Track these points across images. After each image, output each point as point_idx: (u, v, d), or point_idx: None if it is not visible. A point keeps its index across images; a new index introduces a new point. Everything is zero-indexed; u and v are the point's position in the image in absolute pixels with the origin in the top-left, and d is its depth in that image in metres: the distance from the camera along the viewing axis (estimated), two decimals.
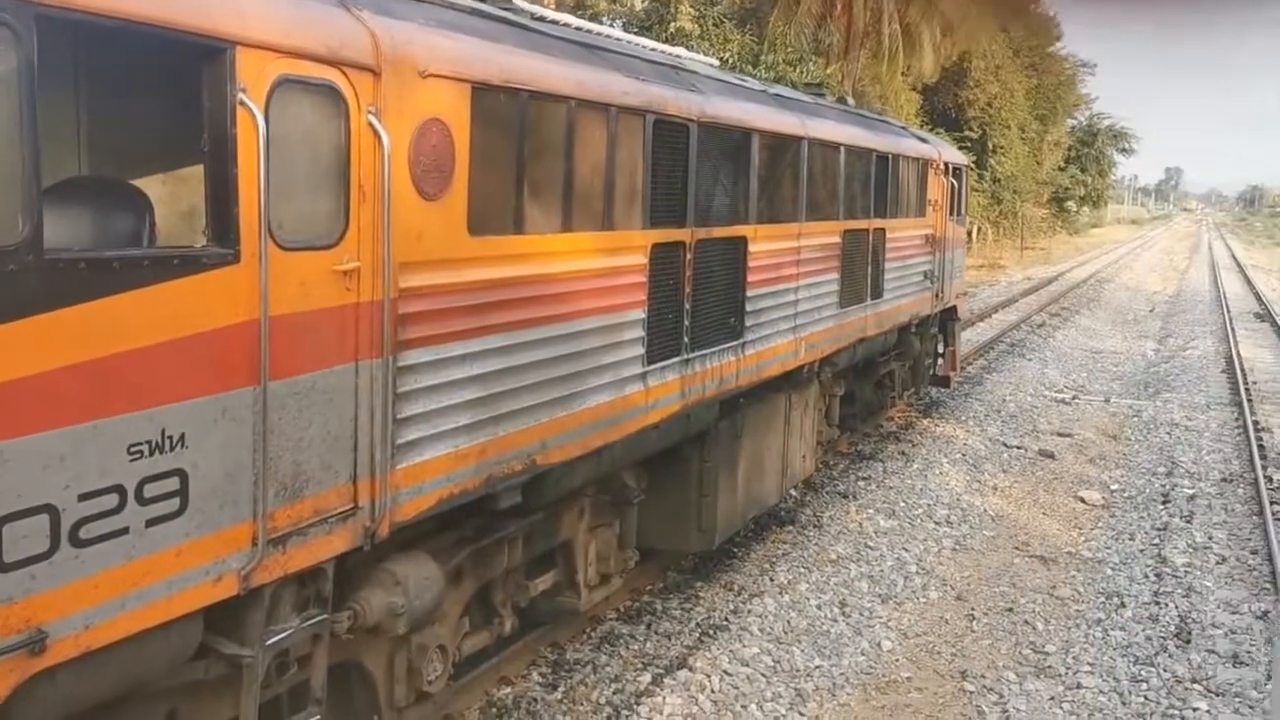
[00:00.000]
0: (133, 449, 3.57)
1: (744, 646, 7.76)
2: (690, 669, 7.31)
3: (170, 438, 3.68)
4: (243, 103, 3.87)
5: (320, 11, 4.33)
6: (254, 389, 3.98)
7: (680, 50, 10.26)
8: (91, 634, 3.50)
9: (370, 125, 4.46)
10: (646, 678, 7.23)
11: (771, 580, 9.06)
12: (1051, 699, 7.56)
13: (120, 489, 3.54)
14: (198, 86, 3.84)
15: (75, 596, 3.44)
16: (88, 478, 3.44)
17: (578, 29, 7.49)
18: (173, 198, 4.36)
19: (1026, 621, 8.90)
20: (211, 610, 4.02)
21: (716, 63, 10.71)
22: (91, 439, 3.44)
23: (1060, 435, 15.54)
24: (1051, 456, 14.30)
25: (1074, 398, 18.51)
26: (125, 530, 3.57)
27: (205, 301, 3.79)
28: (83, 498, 3.43)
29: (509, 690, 6.96)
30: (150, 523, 3.65)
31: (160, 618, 3.74)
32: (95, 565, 3.49)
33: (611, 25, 25.33)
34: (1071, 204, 72.62)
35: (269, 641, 4.33)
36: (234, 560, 3.99)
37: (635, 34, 19.29)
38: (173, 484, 3.71)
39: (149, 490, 3.63)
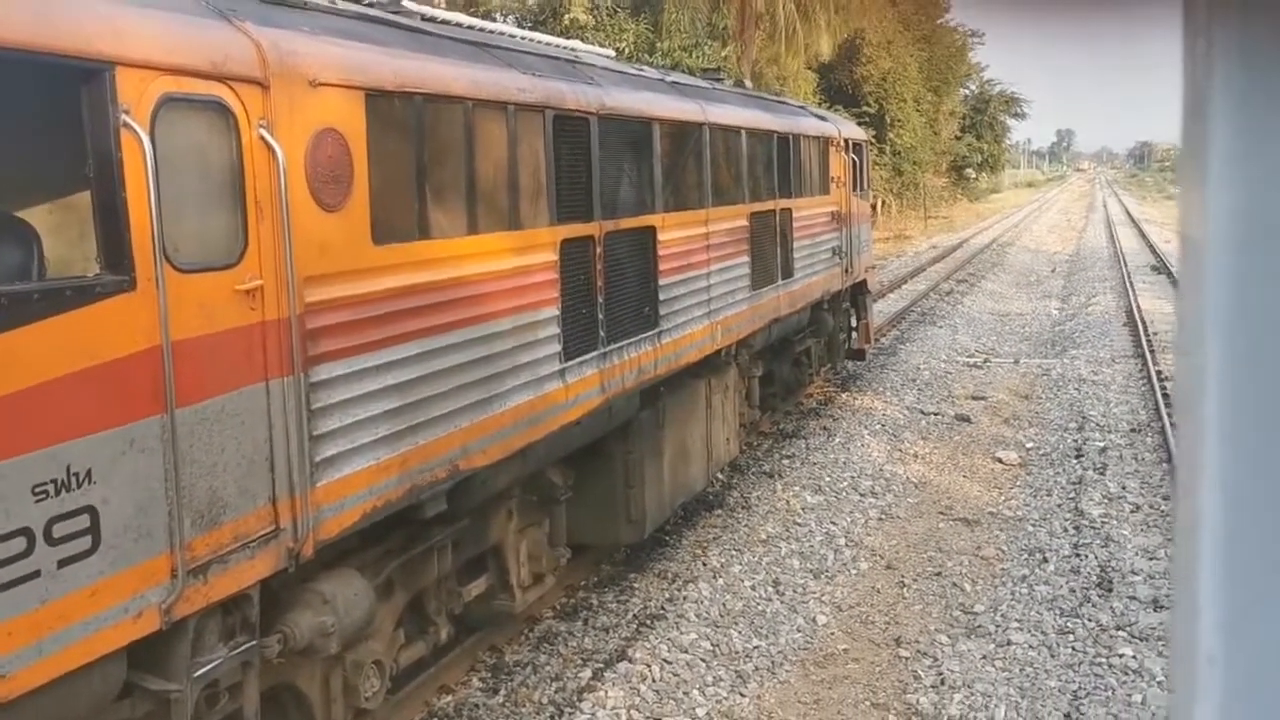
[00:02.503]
0: (38, 489, 3.45)
1: (682, 633, 7.80)
2: (630, 660, 7.33)
3: (76, 474, 3.57)
4: (126, 124, 3.76)
5: (202, 26, 4.22)
6: (161, 417, 3.88)
7: (576, 43, 10.24)
8: (8, 683, 3.39)
9: (262, 139, 4.37)
10: (587, 673, 7.22)
11: (704, 565, 9.12)
12: (984, 658, 7.74)
13: (28, 531, 3.43)
14: (78, 110, 3.72)
15: None
16: None
17: (470, 28, 7.43)
18: (61, 226, 4.22)
19: (955, 584, 9.09)
20: (134, 646, 3.92)
21: (613, 53, 10.69)
22: None
23: (974, 399, 15.88)
24: (968, 420, 14.60)
25: (985, 361, 18.92)
26: (36, 573, 3.46)
27: (103, 331, 3.68)
28: None
29: (450, 699, 6.90)
30: (62, 563, 3.54)
31: (80, 660, 3.63)
32: (7, 611, 3.37)
33: (504, 21, 25.16)
34: (970, 171, 74.12)
35: (196, 674, 4.23)
36: (153, 594, 3.89)
37: (529, 29, 19.21)
38: (83, 522, 3.60)
39: (58, 530, 3.52)
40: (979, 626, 8.26)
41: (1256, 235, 0.57)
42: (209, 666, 4.30)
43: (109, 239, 3.77)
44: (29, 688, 3.46)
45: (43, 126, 4.04)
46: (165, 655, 4.14)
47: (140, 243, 3.81)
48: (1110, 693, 7.20)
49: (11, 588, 3.39)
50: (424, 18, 6.82)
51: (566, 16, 25.50)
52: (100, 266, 3.78)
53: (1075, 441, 13.38)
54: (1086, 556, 9.47)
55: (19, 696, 3.44)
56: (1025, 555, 9.70)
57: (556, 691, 7.02)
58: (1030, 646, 7.85)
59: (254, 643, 4.57)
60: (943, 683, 7.39)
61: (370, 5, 6.37)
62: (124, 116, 3.75)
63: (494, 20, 22.48)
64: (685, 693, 7.06)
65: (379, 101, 5.11)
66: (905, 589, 9.00)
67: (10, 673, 3.39)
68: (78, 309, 3.61)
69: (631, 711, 6.75)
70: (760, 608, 8.41)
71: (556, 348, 6.76)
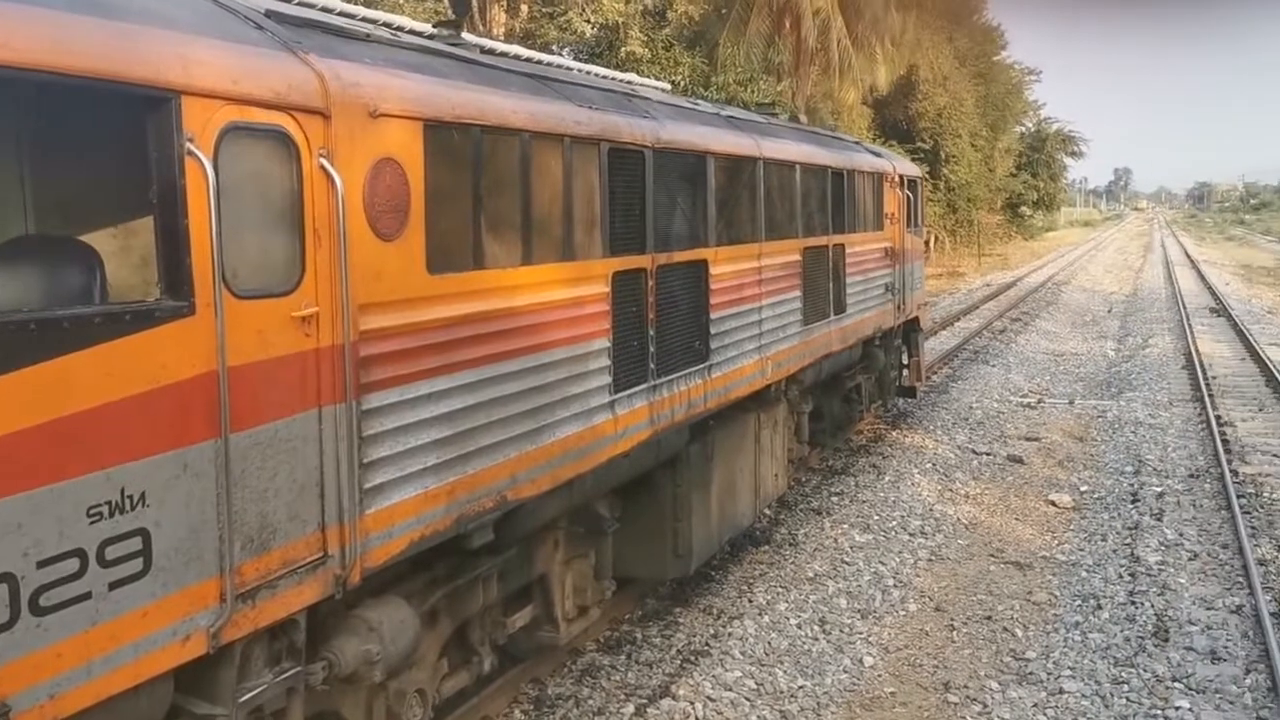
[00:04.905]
0: (92, 511, 3.49)
1: (726, 671, 7.71)
2: (673, 697, 7.25)
3: (130, 497, 3.60)
4: (190, 152, 3.81)
5: (266, 56, 4.28)
6: (215, 442, 3.91)
7: (632, 76, 10.30)
8: (57, 704, 3.40)
9: (322, 168, 4.42)
10: (630, 709, 7.15)
11: (750, 602, 9.02)
12: (1035, 706, 7.56)
13: (81, 553, 3.46)
14: (144, 137, 3.78)
15: (39, 666, 3.35)
16: (47, 543, 3.35)
17: (528, 60, 7.49)
18: (124, 251, 4.29)
19: (1006, 629, 8.91)
20: (181, 670, 3.93)
21: (669, 87, 10.74)
22: (49, 503, 3.36)
23: (1028, 439, 15.64)
24: (1020, 461, 14.38)
25: (1039, 401, 18.65)
26: (88, 595, 3.48)
27: (161, 356, 3.72)
28: (42, 564, 3.34)
29: None
30: (113, 585, 3.56)
31: (128, 682, 3.65)
32: (58, 633, 3.40)
33: (562, 53, 25.42)
34: (1025, 209, 73.48)
35: (242, 699, 4.24)
36: (202, 618, 3.90)
37: (586, 61, 19.39)
38: (135, 544, 3.63)
39: (110, 552, 3.55)
40: (1030, 673, 8.08)
41: None
42: (254, 692, 4.31)
43: (170, 264, 3.81)
44: (77, 709, 3.48)
45: (108, 152, 4.12)
46: (212, 680, 4.15)
47: (200, 269, 3.85)
48: None
49: (63, 609, 3.41)
50: (483, 49, 6.89)
51: (623, 49, 25.66)
52: (160, 291, 3.83)
53: (1131, 486, 13.11)
54: (1142, 604, 9.24)
55: (66, 718, 3.46)
56: (1079, 601, 9.49)
57: None
58: (1083, 695, 7.66)
59: (299, 669, 4.57)
60: None
61: (431, 37, 6.46)
62: (188, 144, 3.81)
63: (552, 53, 22.73)
64: None
65: (437, 132, 5.15)
66: (955, 632, 8.84)
67: (59, 694, 3.41)
68: (137, 333, 3.65)
69: None
70: (806, 647, 8.30)
71: (607, 379, 6.75)
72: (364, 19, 6.37)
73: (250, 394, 4.07)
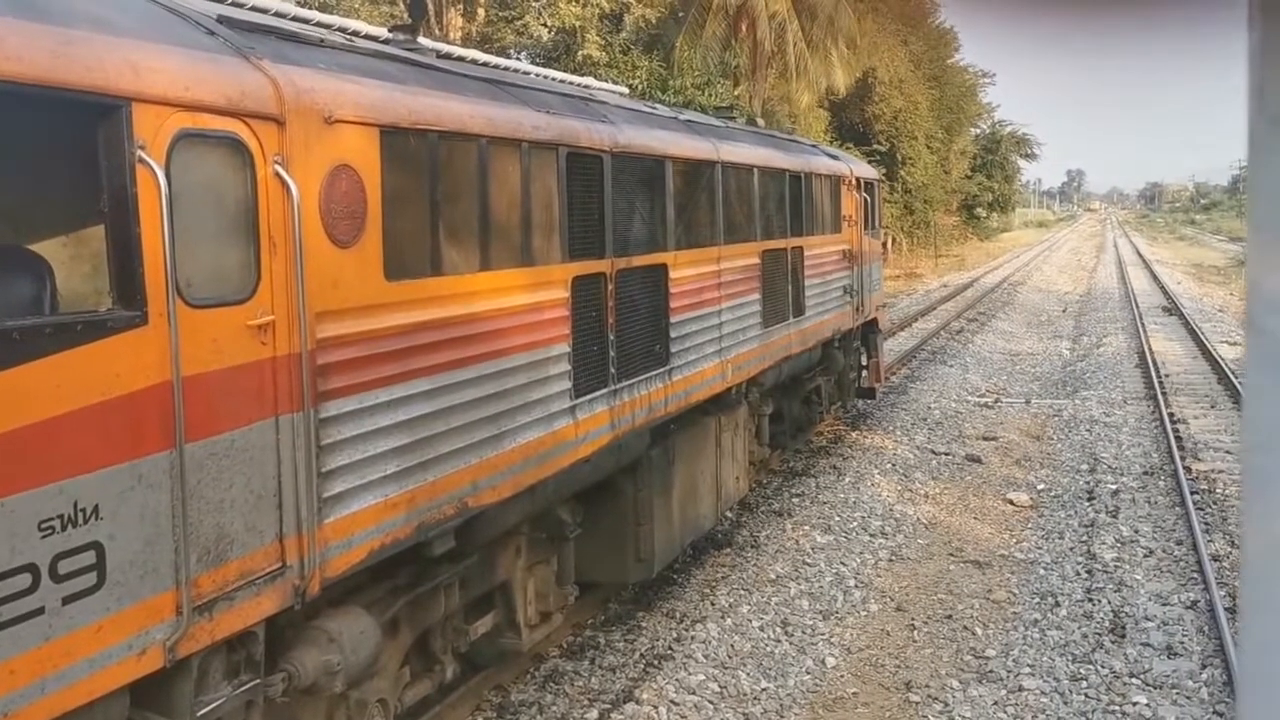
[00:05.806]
0: (44, 525, 3.43)
1: (689, 674, 7.72)
2: (637, 702, 7.24)
3: (83, 510, 3.55)
4: (142, 160, 3.76)
5: (219, 62, 4.23)
6: (170, 453, 3.86)
7: (590, 80, 10.30)
8: None
9: (277, 175, 4.38)
10: (593, 714, 7.14)
11: (713, 605, 9.04)
12: (995, 704, 7.63)
13: (33, 568, 3.40)
14: (94, 145, 3.73)
15: None
16: None
17: (485, 65, 7.47)
18: (74, 261, 4.22)
19: (966, 627, 8.99)
20: (137, 684, 3.87)
21: (626, 91, 10.76)
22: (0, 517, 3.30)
23: (985, 439, 15.79)
24: (978, 461, 14.51)
25: (996, 401, 18.83)
26: (40, 610, 3.43)
27: (114, 366, 3.67)
28: None
29: None
30: (67, 600, 3.51)
31: (83, 698, 3.59)
32: (10, 649, 3.34)
33: (518, 58, 25.37)
34: (981, 210, 74.22)
35: (200, 713, 4.18)
36: (158, 632, 3.85)
37: (542, 65, 19.34)
38: (89, 558, 3.57)
39: (63, 566, 3.49)
40: (990, 671, 8.16)
41: None
42: (212, 705, 4.25)
43: (122, 274, 3.76)
44: None
45: (59, 160, 4.06)
46: (169, 693, 4.10)
47: (153, 278, 3.80)
48: None
49: (15, 625, 3.35)
50: (440, 54, 6.86)
51: (580, 53, 25.64)
52: (113, 301, 3.77)
53: (1087, 484, 13.28)
54: (1099, 601, 9.36)
55: None
56: (1037, 599, 9.60)
57: None
58: (1042, 693, 7.74)
59: (258, 681, 4.52)
60: None
61: (387, 42, 6.42)
62: (140, 152, 3.76)
63: (508, 57, 22.67)
64: None
65: (394, 138, 5.12)
66: (916, 632, 8.90)
67: (11, 711, 3.35)
68: (89, 343, 3.60)
69: None
70: (769, 649, 8.32)
71: (567, 384, 6.74)
72: (318, 24, 6.32)
73: (205, 404, 4.02)
